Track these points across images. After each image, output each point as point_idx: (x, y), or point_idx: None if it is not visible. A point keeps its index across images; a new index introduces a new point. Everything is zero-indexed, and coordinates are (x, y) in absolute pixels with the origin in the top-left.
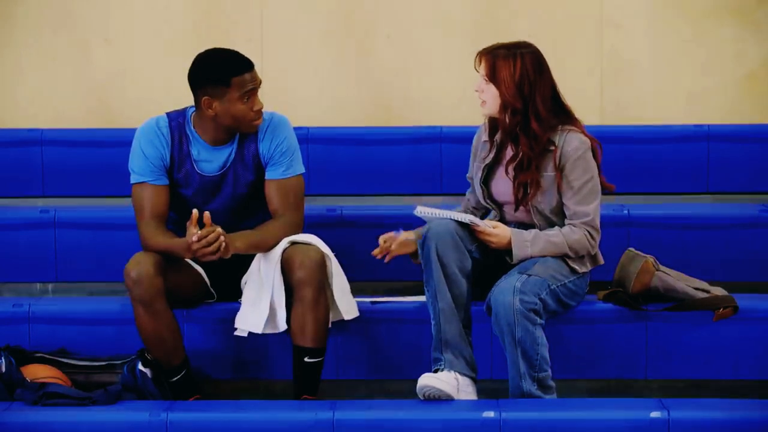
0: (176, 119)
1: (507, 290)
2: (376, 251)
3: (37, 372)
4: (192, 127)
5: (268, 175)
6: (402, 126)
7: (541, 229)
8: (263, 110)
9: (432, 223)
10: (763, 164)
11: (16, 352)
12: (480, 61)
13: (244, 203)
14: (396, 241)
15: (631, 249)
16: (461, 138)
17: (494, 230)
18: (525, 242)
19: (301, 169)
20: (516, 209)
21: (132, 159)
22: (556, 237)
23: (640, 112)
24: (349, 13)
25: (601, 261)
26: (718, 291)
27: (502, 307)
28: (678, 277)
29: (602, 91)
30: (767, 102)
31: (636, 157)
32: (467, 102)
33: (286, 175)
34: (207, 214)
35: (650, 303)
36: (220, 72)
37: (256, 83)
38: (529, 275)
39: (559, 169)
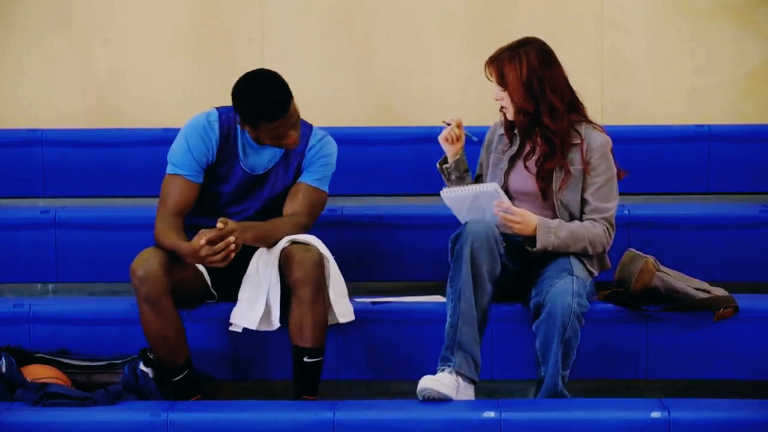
0: (226, 113)
1: (566, 292)
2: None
3: (38, 372)
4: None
5: (300, 178)
6: (402, 126)
7: None
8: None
9: (470, 222)
10: (764, 164)
11: (17, 353)
12: (490, 71)
13: (274, 205)
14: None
15: (632, 249)
16: None
17: (519, 211)
18: (549, 230)
19: (327, 190)
20: (544, 199)
21: (174, 150)
22: (579, 230)
23: (641, 112)
24: (349, 13)
25: (609, 265)
26: (719, 291)
27: (561, 309)
28: (678, 278)
29: (602, 90)
30: (767, 102)
31: (636, 157)
32: (467, 102)
33: (316, 184)
34: (230, 221)
35: (650, 303)
36: (250, 116)
37: (289, 123)
38: (577, 277)
39: (586, 163)
